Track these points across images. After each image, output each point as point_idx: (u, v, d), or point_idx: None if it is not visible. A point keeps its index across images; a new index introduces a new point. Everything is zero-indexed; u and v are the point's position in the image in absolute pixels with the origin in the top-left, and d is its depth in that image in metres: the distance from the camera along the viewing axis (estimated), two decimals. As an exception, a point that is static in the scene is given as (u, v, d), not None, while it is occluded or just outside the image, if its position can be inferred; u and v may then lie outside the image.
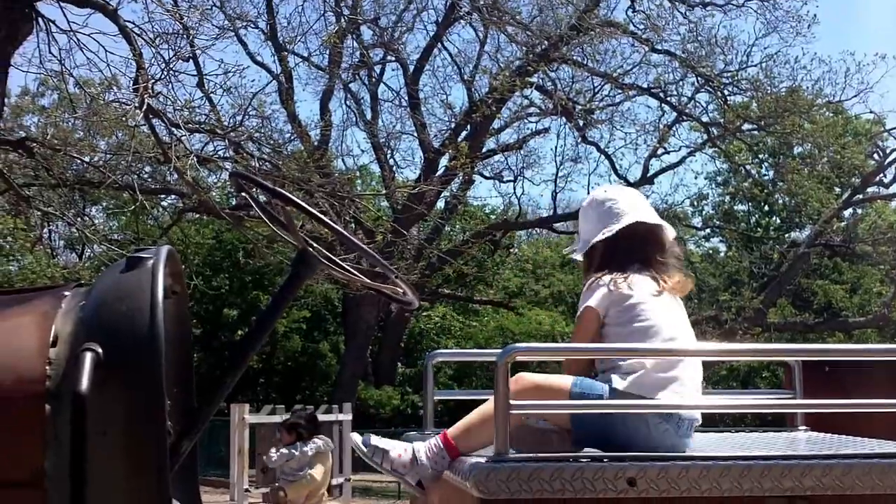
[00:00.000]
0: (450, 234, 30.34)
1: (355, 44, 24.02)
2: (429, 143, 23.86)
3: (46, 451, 2.30)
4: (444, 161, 23.86)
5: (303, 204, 3.09)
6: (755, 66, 24.89)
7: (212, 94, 16.89)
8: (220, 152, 16.03)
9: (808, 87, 25.50)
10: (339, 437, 16.93)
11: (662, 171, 27.69)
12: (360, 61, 23.73)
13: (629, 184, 25.98)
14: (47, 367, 2.34)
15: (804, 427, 3.97)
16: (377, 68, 25.50)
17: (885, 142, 29.68)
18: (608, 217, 3.56)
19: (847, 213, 31.76)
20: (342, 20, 22.98)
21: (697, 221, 34.90)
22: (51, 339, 2.39)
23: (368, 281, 3.12)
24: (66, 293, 2.59)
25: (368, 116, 25.57)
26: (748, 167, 32.33)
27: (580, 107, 23.53)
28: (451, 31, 24.48)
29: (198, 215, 21.16)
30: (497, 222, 28.59)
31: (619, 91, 24.25)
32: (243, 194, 3.22)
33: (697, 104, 25.62)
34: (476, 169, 24.96)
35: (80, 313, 2.44)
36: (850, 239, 30.01)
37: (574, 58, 23.16)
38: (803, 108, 25.24)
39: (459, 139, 22.99)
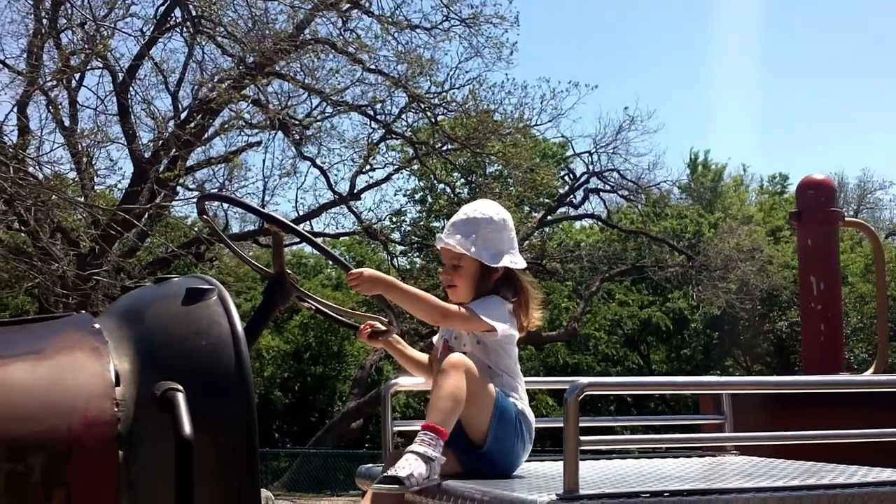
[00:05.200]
0: (149, 246, 29.25)
1: (55, 48, 22.77)
2: (139, 153, 22.93)
3: (121, 502, 2.04)
4: (153, 172, 23.00)
5: (297, 229, 3.00)
6: (458, 88, 25.74)
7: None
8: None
9: (509, 111, 26.64)
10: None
11: (369, 187, 28.08)
12: (65, 66, 22.51)
13: (342, 198, 26.26)
14: (116, 409, 2.06)
15: (735, 451, 4.13)
16: (78, 74, 24.26)
17: (573, 164, 31.61)
18: (512, 244, 3.83)
19: (536, 231, 33.43)
20: (43, 22, 21.77)
21: (396, 237, 35.52)
22: (113, 377, 2.11)
23: (346, 310, 3.07)
24: (95, 325, 2.30)
25: (67, 123, 24.27)
26: (444, 185, 33.32)
27: (297, 122, 23.41)
28: (160, 40, 23.66)
29: None
30: (200, 235, 27.85)
31: (333, 108, 24.36)
32: (206, 222, 3.06)
33: (404, 122, 26.14)
34: (181, 181, 24.25)
35: (137, 349, 2.17)
36: (540, 256, 31.62)
37: (290, 73, 23.06)
38: (503, 130, 26.35)
39: (172, 152, 22.30)
